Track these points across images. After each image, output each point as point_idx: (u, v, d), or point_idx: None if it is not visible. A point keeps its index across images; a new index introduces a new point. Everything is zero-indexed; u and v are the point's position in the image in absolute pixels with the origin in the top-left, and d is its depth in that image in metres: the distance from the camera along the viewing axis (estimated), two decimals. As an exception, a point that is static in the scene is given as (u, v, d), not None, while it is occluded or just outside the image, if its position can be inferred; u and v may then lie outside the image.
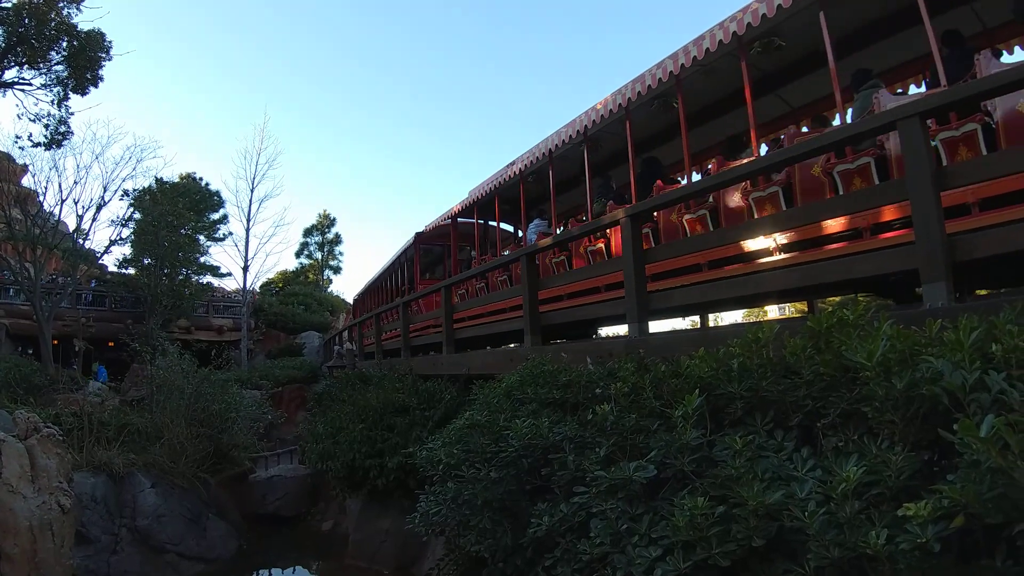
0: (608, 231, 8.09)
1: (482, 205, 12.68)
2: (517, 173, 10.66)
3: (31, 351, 23.90)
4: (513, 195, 11.50)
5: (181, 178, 36.24)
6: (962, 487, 1.95)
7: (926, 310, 3.56)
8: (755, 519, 2.43)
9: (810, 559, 2.23)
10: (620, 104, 7.99)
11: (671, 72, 7.09)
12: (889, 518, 2.16)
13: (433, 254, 17.77)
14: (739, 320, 17.42)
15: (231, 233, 35.98)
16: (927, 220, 3.72)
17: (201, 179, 38.01)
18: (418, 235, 15.96)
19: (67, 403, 15.35)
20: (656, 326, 6.39)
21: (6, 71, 20.52)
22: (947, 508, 2.00)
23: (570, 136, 9.09)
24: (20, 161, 25.82)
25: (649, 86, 7.46)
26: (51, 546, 3.67)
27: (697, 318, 12.94)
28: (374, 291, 22.35)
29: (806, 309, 11.05)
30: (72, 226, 26.50)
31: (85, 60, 20.69)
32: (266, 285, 42.60)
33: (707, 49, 6.60)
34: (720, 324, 15.57)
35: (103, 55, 21.44)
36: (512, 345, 10.98)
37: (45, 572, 3.67)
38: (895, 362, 2.58)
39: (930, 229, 3.70)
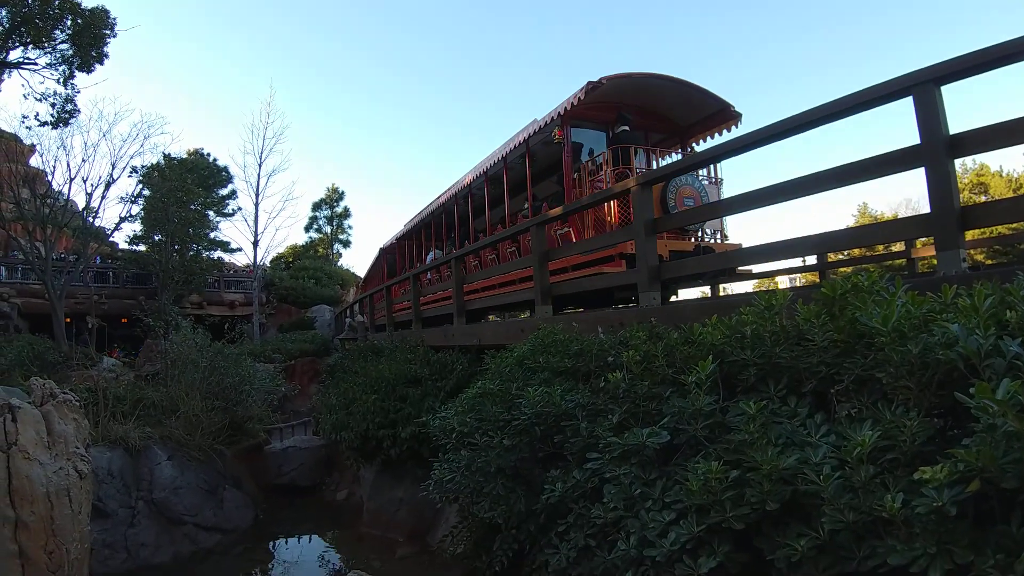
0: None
1: (418, 230, 18.38)
2: (433, 210, 16.47)
3: (44, 330, 24.03)
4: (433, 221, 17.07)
5: (189, 154, 36.33)
6: (978, 451, 1.94)
7: (940, 277, 3.56)
8: (769, 483, 2.43)
9: (824, 522, 2.24)
10: (485, 169, 12.64)
11: (499, 159, 12.06)
12: (904, 483, 2.16)
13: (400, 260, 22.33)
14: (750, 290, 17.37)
15: (240, 208, 36.34)
16: (943, 190, 3.71)
17: (209, 155, 38.16)
18: (382, 249, 22.78)
19: (82, 379, 15.49)
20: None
21: (11, 51, 20.41)
22: (963, 472, 1.99)
23: (455, 193, 14.59)
24: (27, 141, 25.81)
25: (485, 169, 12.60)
26: (68, 512, 3.69)
27: (708, 289, 13.32)
28: (371, 279, 26.30)
29: (817, 279, 11.23)
30: (81, 204, 26.52)
31: (90, 38, 20.55)
32: (276, 259, 42.76)
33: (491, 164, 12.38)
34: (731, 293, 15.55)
35: (107, 32, 21.28)
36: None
37: (62, 539, 3.69)
38: (910, 327, 2.56)
39: (946, 200, 3.68)
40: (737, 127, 10.50)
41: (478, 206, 14.36)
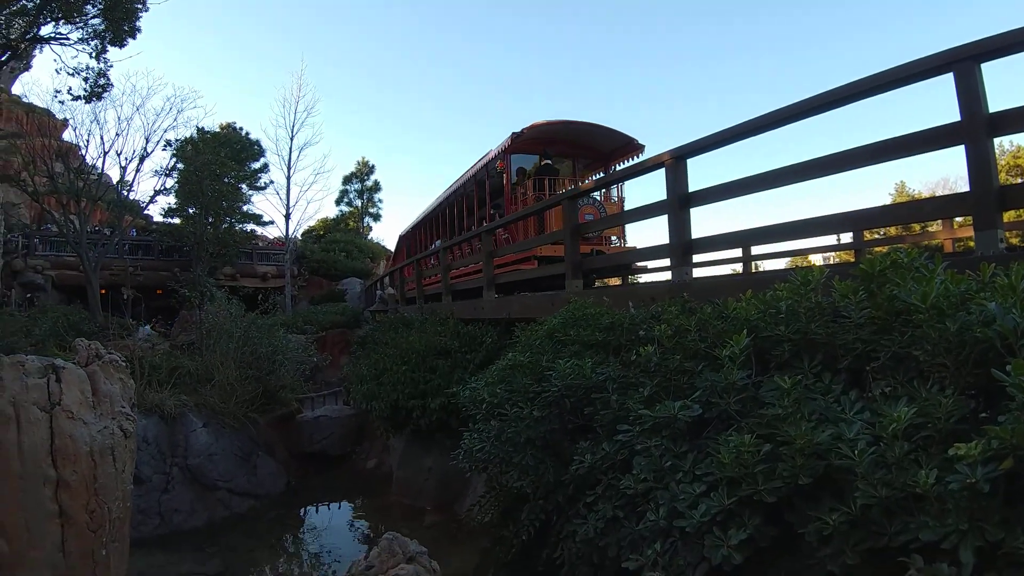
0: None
1: (425, 222, 21.97)
2: (434, 207, 20.25)
3: (79, 301, 24.44)
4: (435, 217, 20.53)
5: (221, 128, 36.40)
6: (1012, 429, 1.94)
7: (978, 256, 3.52)
8: (802, 458, 2.43)
9: (857, 497, 2.24)
10: (462, 183, 16.66)
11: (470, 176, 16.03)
12: (938, 460, 2.15)
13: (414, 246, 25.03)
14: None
15: (272, 181, 36.34)
16: (982, 169, 3.65)
17: (241, 128, 38.18)
18: (401, 236, 27.45)
19: (118, 348, 15.80)
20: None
21: (42, 27, 20.39)
22: (996, 450, 1.99)
23: (446, 197, 18.58)
24: (60, 116, 26.02)
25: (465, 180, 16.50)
26: (112, 471, 3.77)
27: (740, 267, 13.65)
28: (396, 261, 28.79)
29: (852, 259, 11.24)
30: (116, 178, 26.84)
31: (122, 12, 20.35)
32: (307, 232, 43.05)
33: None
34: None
35: (140, 6, 21.17)
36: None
37: (104, 498, 3.77)
38: (948, 305, 2.54)
39: (985, 179, 3.63)
40: (641, 155, 13.89)
41: (461, 210, 17.50)
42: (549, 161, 13.80)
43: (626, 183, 14.21)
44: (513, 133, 13.12)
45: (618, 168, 14.13)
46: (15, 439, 3.56)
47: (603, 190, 13.12)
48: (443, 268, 13.51)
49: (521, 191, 13.65)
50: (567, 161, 15.28)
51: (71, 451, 3.68)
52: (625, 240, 14.36)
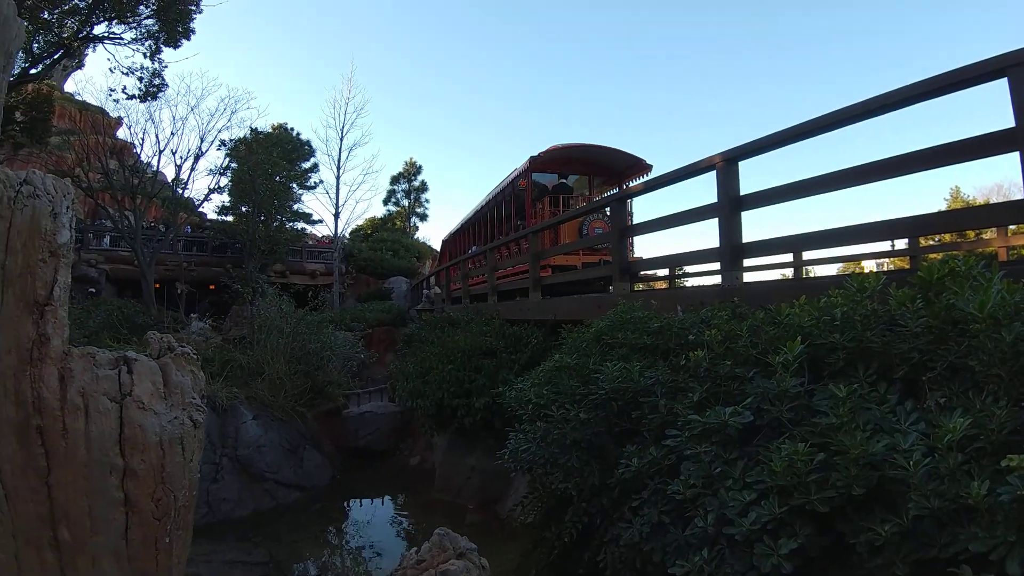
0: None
1: (463, 229, 23.58)
2: (470, 216, 22.03)
3: (132, 294, 25.09)
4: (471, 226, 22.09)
5: (274, 128, 37.30)
6: (1064, 441, 1.92)
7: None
8: (856, 468, 2.41)
9: (910, 508, 2.22)
10: (492, 196, 18.07)
11: (501, 191, 17.26)
12: (989, 471, 2.14)
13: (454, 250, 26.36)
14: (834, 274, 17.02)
15: (322, 181, 37.15)
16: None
17: (292, 129, 39.10)
18: (444, 240, 28.96)
19: (170, 342, 16.12)
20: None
21: (96, 26, 20.78)
22: (1045, 462, 1.97)
23: (479, 209, 20.21)
24: (114, 114, 26.79)
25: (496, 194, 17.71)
26: (179, 460, 3.88)
27: (791, 272, 13.56)
28: (442, 260, 29.88)
29: (907, 266, 11.07)
30: (170, 176, 27.51)
31: (175, 14, 20.73)
32: (355, 231, 43.64)
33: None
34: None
35: (193, 8, 21.58)
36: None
37: (171, 486, 3.87)
38: (1004, 315, 2.51)
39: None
40: (649, 173, 15.15)
41: (494, 219, 18.79)
42: (565, 181, 15.92)
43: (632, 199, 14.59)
44: (531, 157, 14.74)
45: (630, 185, 14.76)
46: (83, 428, 3.67)
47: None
48: (489, 268, 13.59)
49: (539, 207, 15.34)
50: (584, 178, 16.90)
51: (140, 440, 3.77)
52: (633, 251, 14.38)
